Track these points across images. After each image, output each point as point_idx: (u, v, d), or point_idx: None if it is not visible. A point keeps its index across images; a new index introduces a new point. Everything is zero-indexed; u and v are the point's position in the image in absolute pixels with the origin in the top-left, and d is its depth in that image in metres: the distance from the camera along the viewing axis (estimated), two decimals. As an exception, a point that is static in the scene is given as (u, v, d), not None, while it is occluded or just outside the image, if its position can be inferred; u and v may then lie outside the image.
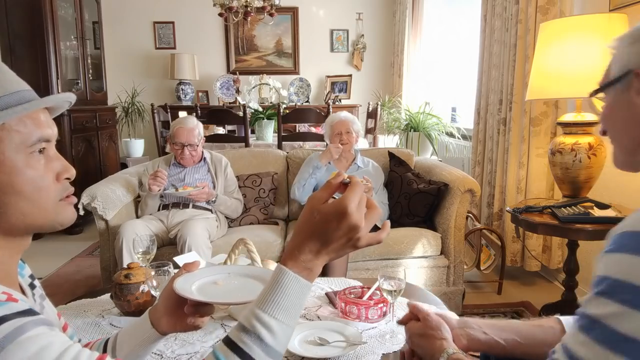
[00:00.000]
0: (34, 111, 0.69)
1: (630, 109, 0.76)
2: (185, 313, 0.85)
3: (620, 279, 0.59)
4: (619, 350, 0.57)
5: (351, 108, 5.32)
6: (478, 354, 1.02)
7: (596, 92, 0.83)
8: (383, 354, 1.27)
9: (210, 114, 3.98)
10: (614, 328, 0.58)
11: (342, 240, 0.70)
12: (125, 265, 1.73)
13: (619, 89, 0.78)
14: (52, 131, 0.72)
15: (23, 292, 0.76)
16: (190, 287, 0.85)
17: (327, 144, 3.00)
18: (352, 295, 1.52)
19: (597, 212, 2.01)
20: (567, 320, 1.01)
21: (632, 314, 0.57)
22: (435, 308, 1.07)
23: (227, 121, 4.17)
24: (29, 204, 0.68)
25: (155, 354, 1.22)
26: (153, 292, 1.37)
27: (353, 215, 0.69)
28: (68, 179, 0.73)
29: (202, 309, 0.85)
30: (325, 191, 0.74)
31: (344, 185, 0.75)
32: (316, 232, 0.69)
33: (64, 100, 0.76)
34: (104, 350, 0.88)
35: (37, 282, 0.84)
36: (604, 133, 0.85)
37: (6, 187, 0.66)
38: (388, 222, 0.80)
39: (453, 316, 1.06)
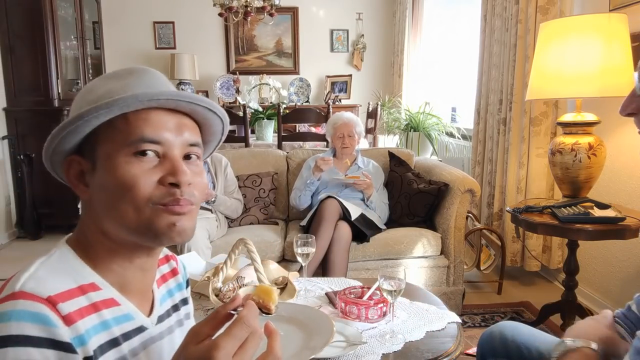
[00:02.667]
0: (145, 110, 0.66)
1: None
2: None
3: None
4: None
5: (351, 108, 5.31)
6: (474, 352, 1.02)
7: None
8: (383, 354, 1.26)
9: (210, 114, 3.97)
10: None
11: None
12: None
13: None
14: (164, 133, 0.66)
15: (152, 307, 0.74)
16: None
17: (327, 142, 3.01)
18: (352, 295, 1.52)
19: (597, 212, 2.01)
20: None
21: None
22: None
23: (227, 121, 4.16)
24: (125, 203, 0.65)
25: None
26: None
27: None
28: (174, 185, 0.66)
29: None
30: (207, 324, 0.60)
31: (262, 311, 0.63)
32: None
33: (183, 99, 0.67)
34: None
35: (185, 308, 0.83)
36: None
37: (110, 186, 0.65)
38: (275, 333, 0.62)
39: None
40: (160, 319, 0.76)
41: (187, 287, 0.88)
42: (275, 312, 0.65)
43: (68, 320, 0.60)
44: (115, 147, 0.65)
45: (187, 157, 0.70)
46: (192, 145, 0.70)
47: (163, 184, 0.66)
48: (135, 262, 0.71)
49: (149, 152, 0.66)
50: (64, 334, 0.58)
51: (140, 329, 0.70)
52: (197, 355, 0.55)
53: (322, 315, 0.66)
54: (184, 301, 0.85)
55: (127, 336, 0.68)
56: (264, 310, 0.65)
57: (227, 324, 0.58)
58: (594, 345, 0.93)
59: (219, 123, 0.75)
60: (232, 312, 0.61)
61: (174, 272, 0.86)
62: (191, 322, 0.85)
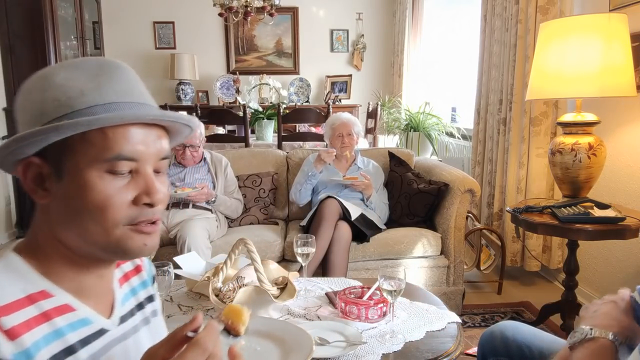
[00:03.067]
0: (123, 126, 0.62)
1: None
2: None
3: None
4: None
5: (351, 108, 5.32)
6: (474, 352, 1.02)
7: None
8: (383, 354, 1.26)
9: (210, 114, 3.98)
10: None
11: None
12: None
13: None
14: (142, 149, 0.64)
15: (112, 309, 0.71)
16: None
17: (326, 145, 3.01)
18: (352, 295, 1.52)
19: (597, 212, 2.01)
20: None
21: None
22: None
23: (227, 121, 4.17)
24: (93, 222, 0.62)
25: None
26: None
27: None
28: (149, 204, 0.64)
29: None
30: (163, 346, 0.58)
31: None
32: None
33: (162, 119, 0.66)
34: None
35: (151, 305, 0.81)
36: None
37: (76, 200, 0.62)
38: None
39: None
40: (123, 319, 0.73)
41: (152, 283, 0.85)
42: (245, 333, 0.62)
43: (11, 334, 0.56)
44: (88, 161, 0.61)
45: (155, 171, 0.67)
46: (163, 159, 0.68)
47: (137, 204, 0.64)
48: (94, 270, 0.68)
49: (124, 169, 0.63)
50: (5, 350, 0.55)
51: (101, 332, 0.68)
52: None
53: (300, 331, 0.63)
54: (150, 298, 0.82)
55: (85, 341, 0.65)
56: (233, 332, 0.63)
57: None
58: (611, 336, 0.90)
59: (189, 130, 0.73)
60: (191, 334, 0.57)
61: (137, 270, 0.82)
62: (158, 320, 0.83)
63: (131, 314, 0.76)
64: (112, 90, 0.64)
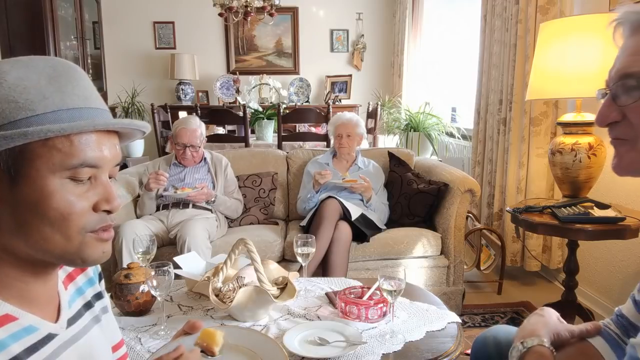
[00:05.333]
0: (86, 133, 0.62)
1: None
2: None
3: None
4: None
5: (351, 108, 5.31)
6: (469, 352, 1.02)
7: None
8: (383, 354, 1.27)
9: (210, 114, 3.98)
10: None
11: None
12: (125, 265, 1.74)
13: None
14: (105, 156, 0.64)
15: (59, 312, 0.70)
16: None
17: (327, 142, 3.01)
18: (352, 295, 1.52)
19: (597, 212, 2.01)
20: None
21: None
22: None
23: (227, 121, 4.17)
24: (52, 229, 0.61)
25: None
26: (153, 292, 1.38)
27: None
28: (108, 211, 0.65)
29: None
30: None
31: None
32: None
33: (129, 127, 0.68)
34: None
35: (100, 302, 0.79)
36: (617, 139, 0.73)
37: (33, 207, 0.60)
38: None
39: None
40: (72, 322, 0.71)
41: (100, 280, 0.83)
42: (219, 354, 0.66)
43: None
44: (51, 167, 0.60)
45: (109, 177, 0.68)
46: (117, 165, 0.68)
47: (96, 210, 0.63)
48: (39, 277, 0.66)
49: (85, 176, 0.63)
50: None
51: (49, 338, 0.65)
52: None
53: (274, 345, 0.67)
54: (98, 296, 0.80)
55: (31, 349, 0.62)
56: (208, 353, 0.67)
57: None
58: (545, 342, 0.92)
59: (141, 134, 0.73)
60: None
61: (82, 268, 0.80)
62: (109, 316, 0.81)
63: (79, 314, 0.74)
64: (75, 95, 0.63)
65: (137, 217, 2.55)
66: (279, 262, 2.23)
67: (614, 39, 0.73)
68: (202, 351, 0.69)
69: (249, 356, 0.73)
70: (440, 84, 5.04)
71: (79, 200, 0.62)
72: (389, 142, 4.76)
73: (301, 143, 3.78)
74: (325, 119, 3.70)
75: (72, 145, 0.61)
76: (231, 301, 1.36)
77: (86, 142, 0.62)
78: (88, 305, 0.77)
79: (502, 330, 1.23)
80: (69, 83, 0.63)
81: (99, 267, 0.85)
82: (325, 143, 3.70)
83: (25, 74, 0.61)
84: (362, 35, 5.75)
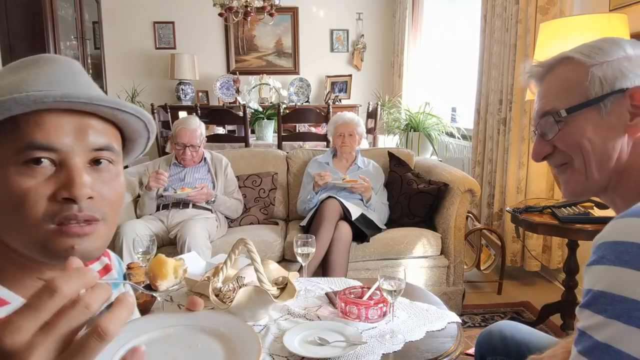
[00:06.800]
0: (40, 113, 0.56)
1: (612, 130, 0.76)
2: None
3: (602, 290, 0.60)
4: (595, 357, 0.59)
5: (351, 108, 5.31)
6: (472, 352, 1.02)
7: (576, 108, 0.78)
8: (383, 354, 1.27)
9: (210, 114, 3.98)
10: (595, 339, 0.60)
11: None
12: (125, 265, 1.74)
13: (600, 108, 0.76)
14: (62, 138, 0.57)
15: None
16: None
17: (327, 142, 3.01)
18: (352, 295, 1.52)
19: (597, 212, 2.01)
20: None
21: (611, 324, 0.58)
22: None
23: (227, 121, 4.17)
24: (14, 220, 0.56)
25: None
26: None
27: None
28: (69, 199, 0.57)
29: None
30: None
31: None
32: None
33: (98, 104, 0.58)
34: None
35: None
36: (561, 164, 0.84)
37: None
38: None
39: None
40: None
41: (124, 282, 0.80)
42: (164, 289, 0.54)
43: None
44: (5, 155, 0.56)
45: (96, 162, 0.61)
46: (99, 149, 0.60)
47: (56, 199, 0.56)
48: (50, 275, 0.62)
49: (44, 160, 0.56)
50: None
51: None
52: None
53: (249, 331, 0.52)
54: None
55: None
56: (153, 286, 0.55)
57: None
58: None
59: (137, 120, 0.65)
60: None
61: (106, 269, 0.78)
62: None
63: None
64: (35, 81, 0.58)
65: (137, 217, 2.55)
66: (279, 262, 2.23)
67: (530, 89, 0.89)
68: (147, 286, 0.59)
69: (219, 338, 0.60)
70: (440, 84, 5.04)
71: (35, 188, 0.56)
72: (389, 142, 4.76)
73: (301, 143, 3.78)
74: (325, 119, 3.70)
75: (17, 127, 0.56)
76: (231, 301, 1.36)
77: (34, 123, 0.56)
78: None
79: (507, 325, 1.24)
80: (37, 72, 0.59)
81: (124, 268, 0.84)
82: (325, 143, 3.70)
83: (7, 73, 0.60)
84: (362, 35, 5.75)
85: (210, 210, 2.58)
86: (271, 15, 4.16)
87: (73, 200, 0.57)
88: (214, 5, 4.07)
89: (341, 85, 5.77)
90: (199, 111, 4.03)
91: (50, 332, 0.38)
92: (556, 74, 0.83)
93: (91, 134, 0.60)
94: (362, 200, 2.66)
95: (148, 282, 0.62)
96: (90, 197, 0.58)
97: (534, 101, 0.87)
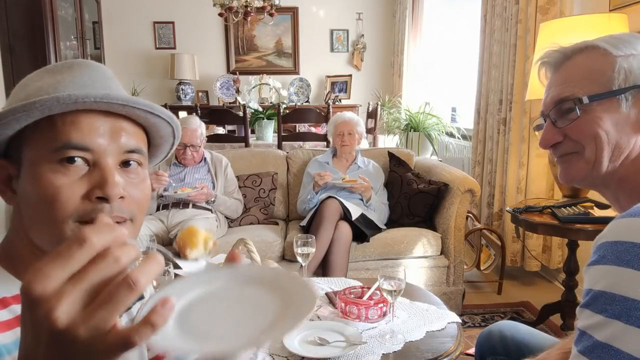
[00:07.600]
0: (76, 114, 0.58)
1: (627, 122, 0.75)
2: None
3: (602, 289, 0.60)
4: (595, 356, 0.59)
5: (351, 108, 5.31)
6: (472, 352, 1.02)
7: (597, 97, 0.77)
8: (383, 354, 1.27)
9: (210, 114, 3.98)
10: (595, 338, 0.60)
11: None
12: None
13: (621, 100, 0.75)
14: (97, 138, 0.59)
15: None
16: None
17: (327, 142, 3.01)
18: (352, 295, 1.52)
19: (597, 212, 2.01)
20: None
21: (611, 324, 0.58)
22: None
23: (227, 121, 4.17)
24: (43, 218, 0.58)
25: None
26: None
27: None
28: (103, 198, 0.58)
29: None
30: None
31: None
32: None
33: (134, 105, 0.60)
34: None
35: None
36: (562, 155, 0.82)
37: (30, 197, 0.58)
38: None
39: None
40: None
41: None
42: (192, 258, 0.53)
43: None
44: (41, 153, 0.58)
45: (126, 163, 0.62)
46: (130, 151, 0.62)
47: (89, 198, 0.58)
48: None
49: (77, 159, 0.58)
50: None
51: None
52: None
53: (298, 278, 0.47)
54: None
55: None
56: (181, 254, 0.55)
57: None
58: None
59: (166, 125, 0.67)
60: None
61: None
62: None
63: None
64: (70, 84, 0.60)
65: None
66: (279, 262, 2.23)
67: (539, 78, 0.87)
68: (177, 254, 0.58)
69: (272, 289, 0.52)
70: (440, 84, 5.04)
71: (69, 187, 0.57)
72: (389, 142, 4.76)
73: (301, 143, 3.78)
74: (325, 119, 3.70)
75: (54, 126, 0.58)
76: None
77: (71, 123, 0.58)
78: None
79: (507, 325, 1.25)
80: (72, 75, 0.62)
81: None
82: (325, 143, 3.70)
83: (41, 76, 0.63)
84: (362, 35, 5.75)
85: (210, 210, 2.59)
86: (271, 15, 4.16)
87: (106, 200, 0.58)
88: (214, 5, 4.07)
89: (341, 85, 5.77)
90: (199, 111, 4.03)
91: (80, 282, 0.38)
92: (576, 61, 0.80)
93: (124, 136, 0.61)
94: (362, 200, 2.66)
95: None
96: (121, 197, 0.60)
97: (543, 92, 0.84)
